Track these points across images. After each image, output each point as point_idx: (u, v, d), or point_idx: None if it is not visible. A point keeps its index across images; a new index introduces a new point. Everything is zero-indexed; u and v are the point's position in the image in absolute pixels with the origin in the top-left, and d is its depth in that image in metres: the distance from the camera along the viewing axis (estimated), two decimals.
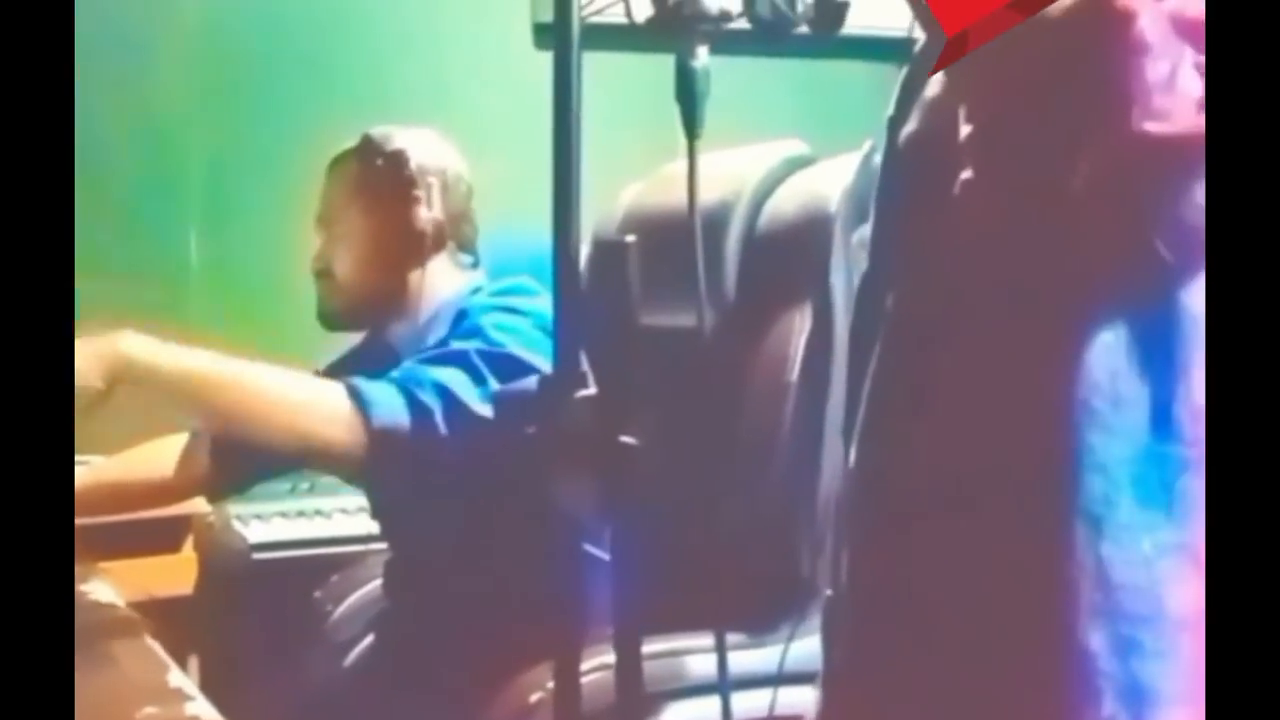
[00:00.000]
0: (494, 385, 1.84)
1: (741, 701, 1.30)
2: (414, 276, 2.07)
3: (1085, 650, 0.93)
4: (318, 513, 2.67)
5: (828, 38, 1.09)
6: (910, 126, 1.16)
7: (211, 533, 2.57)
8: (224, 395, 1.81)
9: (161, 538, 2.50)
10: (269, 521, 2.63)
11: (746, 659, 1.60)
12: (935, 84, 1.05)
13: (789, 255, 1.91)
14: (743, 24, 1.06)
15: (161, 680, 1.39)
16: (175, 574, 2.48)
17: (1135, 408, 0.95)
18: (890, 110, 1.18)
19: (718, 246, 1.97)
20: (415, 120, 2.17)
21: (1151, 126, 0.81)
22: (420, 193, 2.06)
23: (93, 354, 1.76)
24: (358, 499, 2.26)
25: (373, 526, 2.17)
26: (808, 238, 1.87)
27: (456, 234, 2.10)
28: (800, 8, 1.04)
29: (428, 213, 2.06)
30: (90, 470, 2.05)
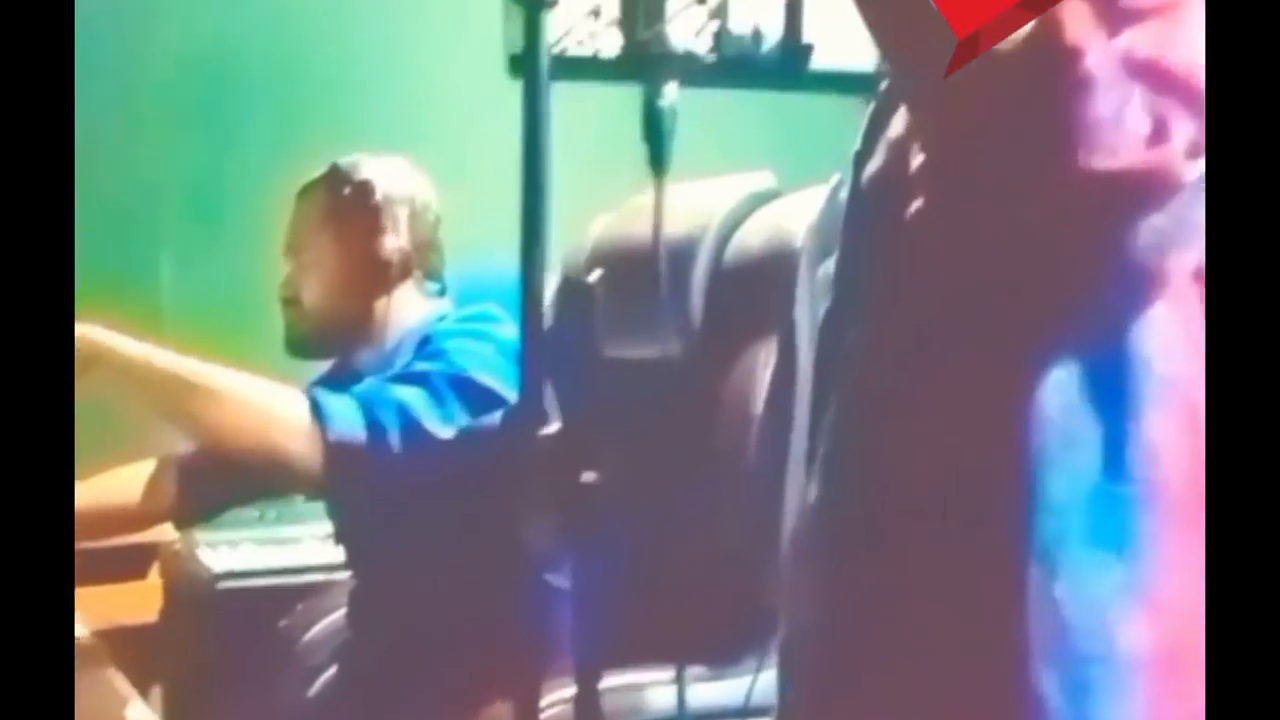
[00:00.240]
0: (455, 408, 1.85)
1: None
2: (380, 304, 2.08)
3: (1038, 692, 0.93)
4: (286, 540, 2.66)
5: (794, 76, 1.10)
6: (874, 163, 1.17)
7: (177, 560, 2.56)
8: (188, 390, 1.83)
9: (127, 565, 2.49)
10: (237, 548, 2.62)
11: (708, 692, 1.60)
12: (898, 121, 1.06)
13: (755, 288, 1.92)
14: (711, 61, 1.07)
15: (119, 714, 1.38)
16: (140, 602, 2.47)
17: (1087, 447, 0.96)
18: (856, 145, 1.20)
19: (685, 279, 1.98)
20: (387, 148, 2.17)
21: (1098, 161, 0.82)
22: (387, 221, 2.07)
23: None
24: (326, 526, 2.26)
25: (339, 554, 2.17)
26: (773, 271, 1.88)
27: (423, 262, 2.11)
28: (765, 48, 1.05)
29: (394, 241, 2.07)
30: None
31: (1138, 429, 0.96)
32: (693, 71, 1.04)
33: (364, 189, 2.09)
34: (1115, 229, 0.84)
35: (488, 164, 1.83)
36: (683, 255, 1.98)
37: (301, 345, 2.11)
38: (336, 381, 2.10)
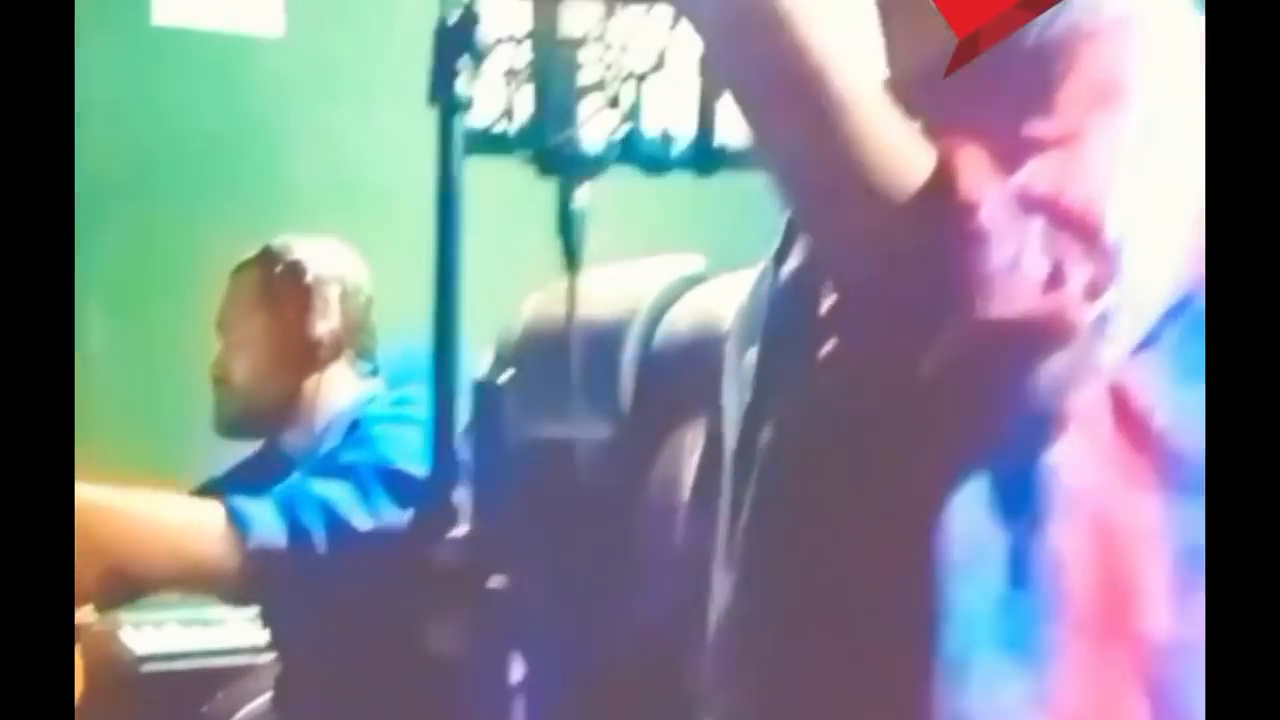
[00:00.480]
0: (382, 500, 1.84)
1: None
2: (310, 385, 2.08)
3: None
4: (211, 621, 2.63)
5: (709, 173, 1.11)
6: (792, 262, 1.18)
7: (99, 641, 2.52)
8: (99, 523, 1.78)
9: None
10: (161, 629, 2.58)
11: None
12: (801, 249, 1.08)
13: (683, 371, 1.92)
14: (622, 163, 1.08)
15: None
16: None
17: (996, 557, 0.97)
18: (776, 243, 1.21)
19: (613, 361, 1.98)
20: (320, 228, 2.18)
21: (996, 309, 0.83)
22: (318, 302, 2.07)
23: None
24: (252, 607, 2.23)
25: (265, 636, 2.15)
26: (702, 355, 1.88)
27: (354, 343, 2.11)
28: (676, 152, 1.06)
29: (325, 322, 2.07)
30: None
31: (1045, 540, 0.97)
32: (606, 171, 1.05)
33: (295, 269, 2.09)
34: (1014, 373, 0.85)
35: (421, 245, 1.84)
36: (611, 337, 1.98)
37: (231, 425, 2.10)
38: (263, 464, 2.08)
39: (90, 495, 1.77)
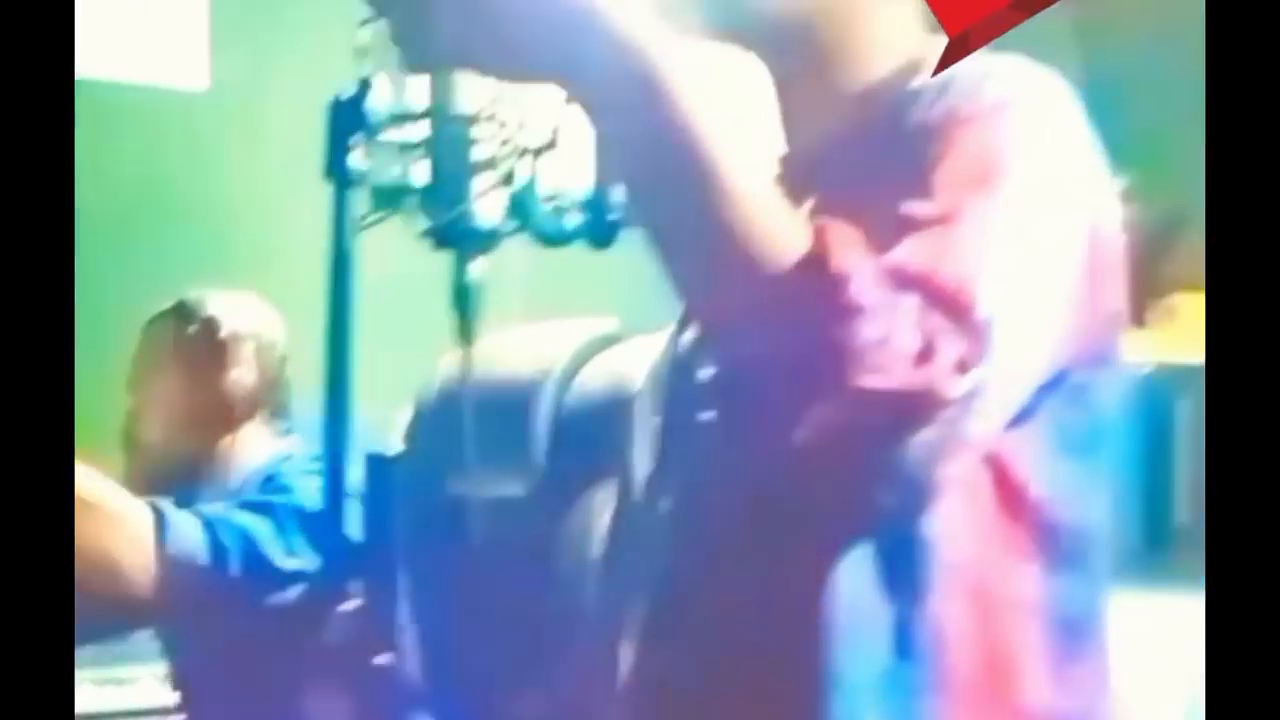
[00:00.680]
0: (298, 541, 1.81)
1: None
2: (224, 443, 2.06)
3: None
4: (124, 680, 2.60)
5: (603, 245, 1.12)
6: (690, 332, 1.20)
7: None
8: None
9: None
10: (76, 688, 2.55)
11: None
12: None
13: (595, 433, 1.93)
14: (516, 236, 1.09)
15: None
16: None
17: (879, 629, 0.98)
18: (680, 314, 1.22)
19: (526, 420, 1.99)
20: (239, 282, 2.17)
21: (868, 382, 0.85)
22: (232, 358, 2.06)
23: None
24: (163, 665, 2.20)
25: (175, 696, 2.13)
26: (613, 416, 1.89)
27: (269, 401, 2.10)
28: (571, 226, 1.07)
29: (239, 380, 2.06)
30: None
31: (927, 611, 0.98)
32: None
33: (210, 325, 2.08)
34: (885, 444, 0.87)
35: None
36: (525, 396, 1.99)
37: (141, 483, 2.08)
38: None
39: None
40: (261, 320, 2.12)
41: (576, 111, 0.91)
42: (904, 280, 0.88)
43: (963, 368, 0.87)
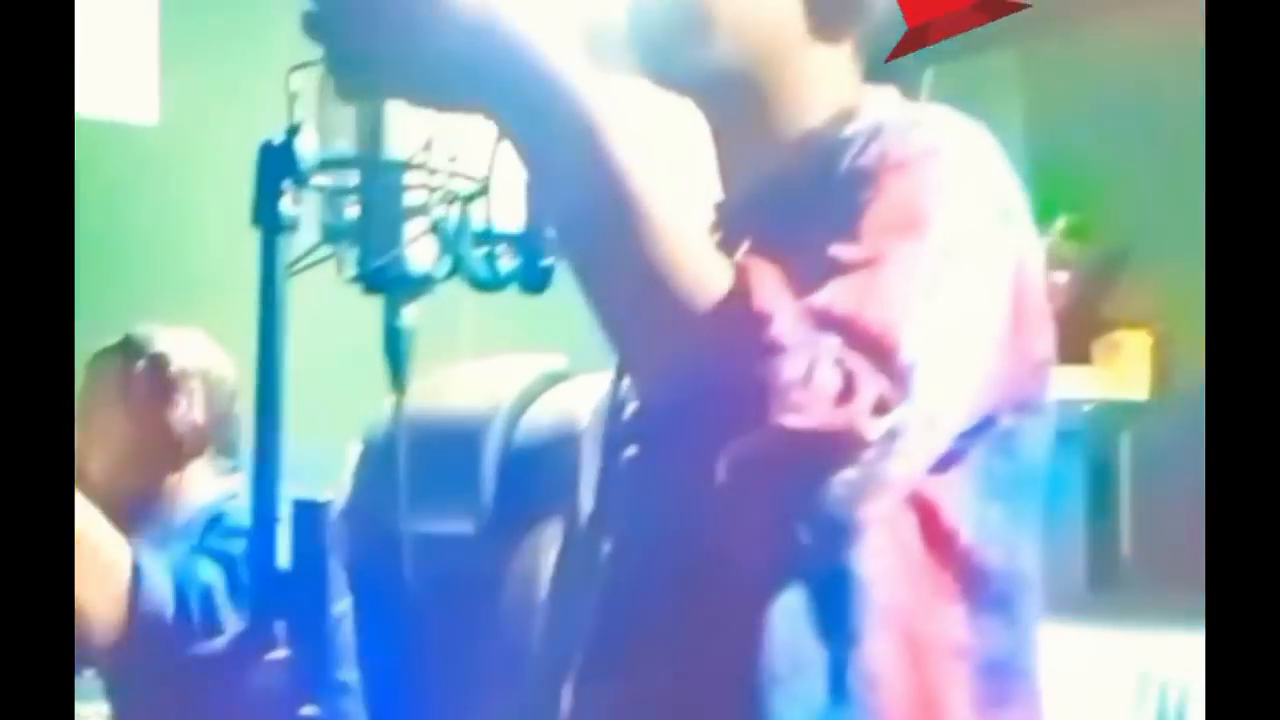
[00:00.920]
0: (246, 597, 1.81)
1: None
2: (170, 481, 2.05)
3: None
4: None
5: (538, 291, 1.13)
6: (626, 380, 1.21)
7: None
8: None
9: None
10: None
11: None
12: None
13: (543, 470, 1.93)
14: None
15: None
16: None
17: (813, 672, 0.99)
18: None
19: (477, 457, 1.99)
20: (187, 318, 2.16)
21: (789, 421, 0.85)
22: (180, 396, 2.05)
23: None
24: (104, 707, 2.18)
25: None
26: (560, 454, 1.90)
27: (217, 438, 2.08)
28: (504, 271, 1.07)
29: (187, 417, 2.04)
30: None
31: (859, 655, 0.99)
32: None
33: (158, 362, 2.07)
34: (805, 483, 0.87)
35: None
36: (475, 432, 1.99)
37: None
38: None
39: None
40: (209, 357, 2.11)
41: (509, 155, 0.92)
42: (829, 322, 0.89)
43: (883, 409, 0.88)
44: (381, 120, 1.03)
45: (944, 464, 0.99)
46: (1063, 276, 2.70)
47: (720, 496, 0.87)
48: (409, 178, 1.03)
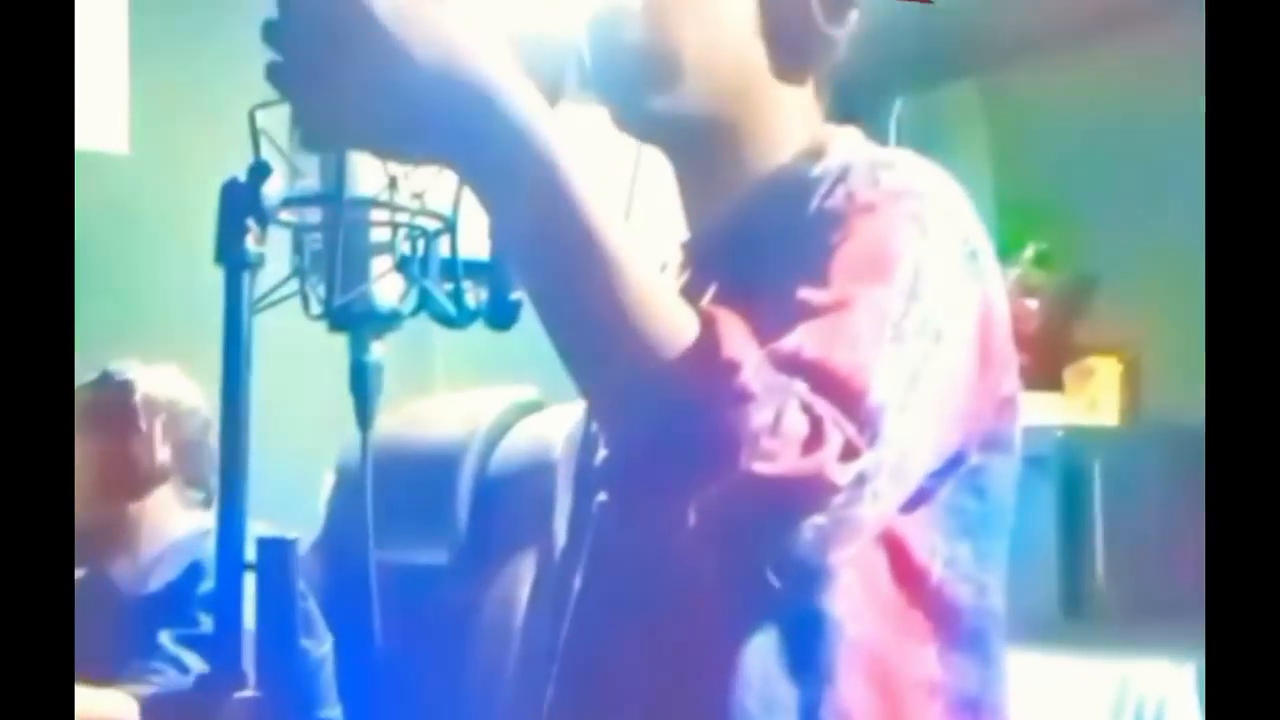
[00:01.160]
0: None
1: None
2: (132, 510, 2.05)
3: None
4: None
5: (507, 325, 1.12)
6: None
7: None
8: None
9: None
10: None
11: None
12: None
13: (518, 498, 1.93)
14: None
15: None
16: None
17: (786, 710, 0.98)
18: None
19: (451, 486, 1.99)
20: (160, 351, 2.15)
21: (758, 468, 0.85)
22: (143, 425, 2.05)
23: None
24: None
25: None
26: (534, 482, 1.90)
27: (184, 470, 2.08)
28: (474, 306, 1.07)
29: (149, 446, 2.04)
30: None
31: (832, 692, 0.98)
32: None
33: (123, 390, 2.07)
34: (776, 528, 0.87)
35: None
36: (450, 462, 1.99)
37: None
38: (88, 593, 2.03)
39: None
40: (178, 387, 2.11)
41: (472, 195, 0.91)
42: (797, 366, 0.88)
43: (851, 453, 0.87)
44: (346, 157, 1.02)
45: (913, 503, 0.99)
46: (1033, 303, 2.71)
47: (691, 543, 0.87)
48: (375, 214, 1.03)
